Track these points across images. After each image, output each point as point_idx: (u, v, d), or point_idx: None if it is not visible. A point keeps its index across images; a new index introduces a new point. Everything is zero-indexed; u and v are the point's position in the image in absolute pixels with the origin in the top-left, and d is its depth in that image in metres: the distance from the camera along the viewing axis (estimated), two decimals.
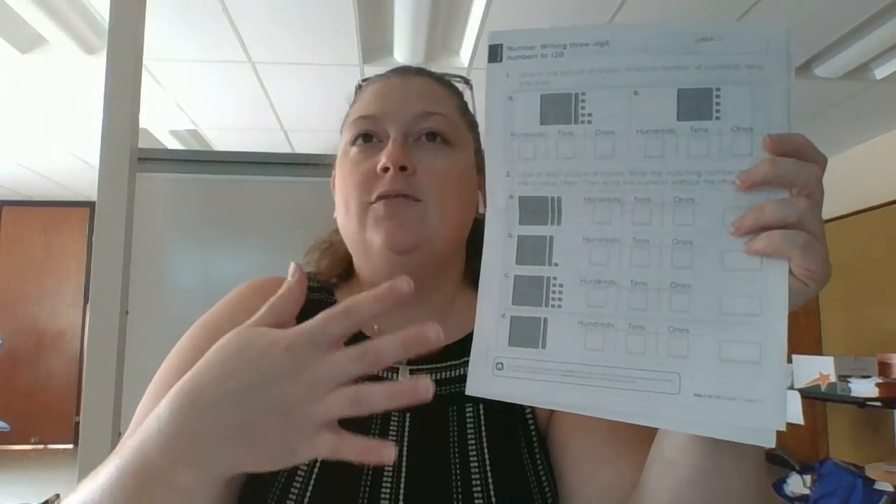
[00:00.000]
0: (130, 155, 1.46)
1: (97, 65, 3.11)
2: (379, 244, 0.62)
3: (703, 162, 0.44)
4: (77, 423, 3.21)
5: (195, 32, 2.99)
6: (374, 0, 2.79)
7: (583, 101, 0.46)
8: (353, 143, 0.66)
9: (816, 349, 4.80)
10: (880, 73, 3.36)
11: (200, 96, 3.76)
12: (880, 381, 3.49)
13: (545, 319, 0.46)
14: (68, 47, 3.06)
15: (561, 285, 0.46)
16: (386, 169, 0.61)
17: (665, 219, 0.44)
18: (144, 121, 1.77)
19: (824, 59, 3.23)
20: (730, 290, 0.42)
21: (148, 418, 0.41)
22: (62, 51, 3.11)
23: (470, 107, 0.73)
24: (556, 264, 0.46)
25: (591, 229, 0.46)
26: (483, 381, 0.46)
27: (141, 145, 1.51)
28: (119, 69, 1.49)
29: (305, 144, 4.48)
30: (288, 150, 4.58)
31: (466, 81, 0.76)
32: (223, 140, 4.52)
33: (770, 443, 0.41)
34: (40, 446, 6.17)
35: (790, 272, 0.42)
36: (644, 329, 0.44)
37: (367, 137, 0.65)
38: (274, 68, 3.37)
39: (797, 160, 0.42)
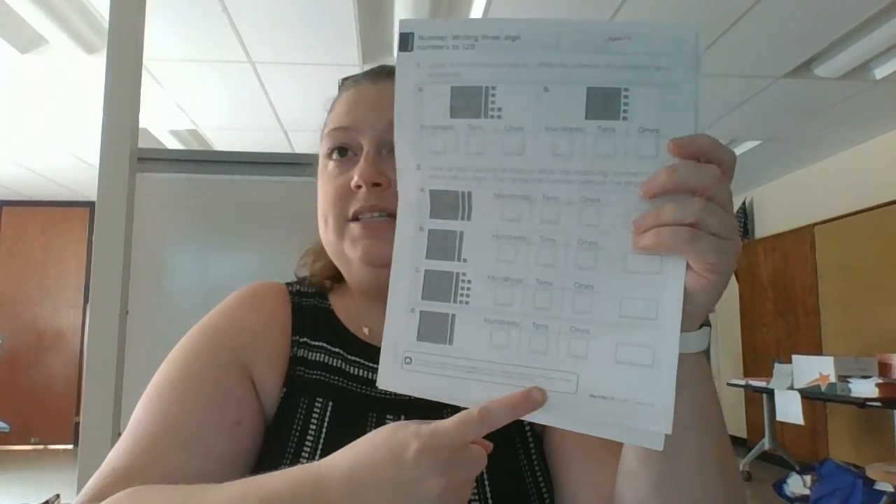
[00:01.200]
0: (130, 155, 1.46)
1: (97, 65, 3.11)
2: (357, 259, 0.63)
3: (610, 162, 0.43)
4: (77, 423, 3.21)
5: (195, 32, 2.99)
6: (374, 0, 2.79)
7: (493, 95, 0.45)
8: (329, 156, 0.66)
9: (816, 349, 4.80)
10: (880, 73, 3.37)
11: (200, 96, 3.76)
12: (880, 381, 3.49)
13: (453, 315, 0.46)
14: (68, 47, 3.06)
15: (469, 281, 0.46)
16: (359, 186, 0.61)
17: (572, 218, 0.44)
18: (144, 121, 1.77)
19: (824, 59, 3.23)
20: (630, 293, 0.43)
21: (302, 480, 0.44)
22: (62, 51, 3.11)
23: None
24: (465, 260, 0.46)
25: (500, 226, 0.46)
26: (392, 375, 0.47)
27: (141, 145, 1.51)
28: (119, 69, 1.49)
29: (305, 144, 4.48)
30: (288, 150, 4.58)
31: None
32: (223, 140, 4.52)
33: (658, 445, 0.42)
34: (40, 446, 6.17)
35: (691, 269, 0.42)
36: (547, 328, 0.44)
37: (342, 151, 0.65)
38: (274, 68, 3.37)
39: (696, 164, 0.42)
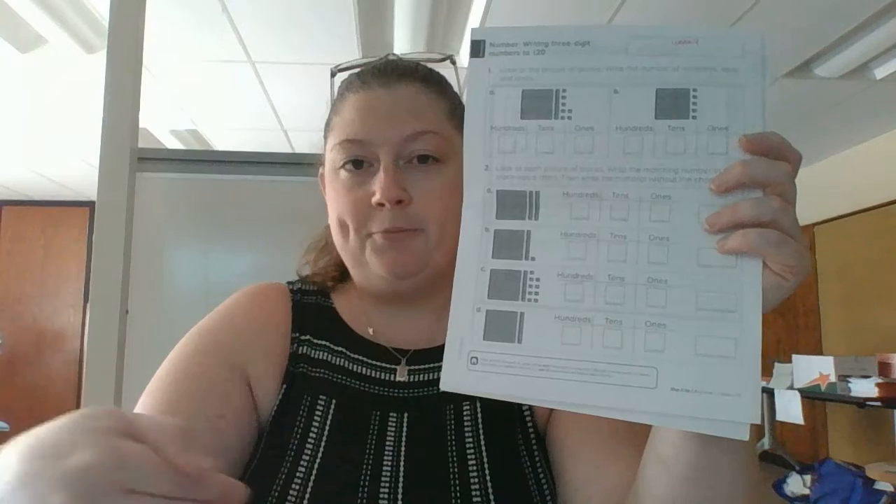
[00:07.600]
0: (130, 155, 1.46)
1: (97, 65, 3.10)
2: (381, 271, 0.62)
3: (680, 160, 0.44)
4: None
5: (195, 32, 2.99)
6: (373, 0, 2.79)
7: (563, 97, 0.47)
8: (343, 166, 0.64)
9: (816, 349, 4.80)
10: (880, 73, 3.36)
11: (200, 96, 3.76)
12: (880, 381, 3.49)
13: (521, 314, 0.46)
14: (68, 47, 3.05)
15: (538, 279, 0.46)
16: (382, 204, 0.61)
17: (642, 215, 0.45)
18: (144, 121, 1.77)
19: (824, 59, 3.23)
20: (705, 287, 0.43)
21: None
22: (62, 51, 3.11)
23: (456, 88, 0.72)
24: (533, 258, 0.46)
25: (569, 224, 0.46)
26: (457, 376, 0.46)
27: (141, 145, 1.51)
28: (119, 69, 1.49)
29: (305, 144, 4.47)
30: (288, 149, 4.57)
31: (453, 61, 0.74)
32: (223, 140, 4.52)
33: (744, 436, 0.42)
34: None
35: (768, 268, 0.43)
36: (621, 324, 0.44)
37: (358, 163, 0.64)
38: (274, 68, 3.37)
39: (769, 160, 0.43)
